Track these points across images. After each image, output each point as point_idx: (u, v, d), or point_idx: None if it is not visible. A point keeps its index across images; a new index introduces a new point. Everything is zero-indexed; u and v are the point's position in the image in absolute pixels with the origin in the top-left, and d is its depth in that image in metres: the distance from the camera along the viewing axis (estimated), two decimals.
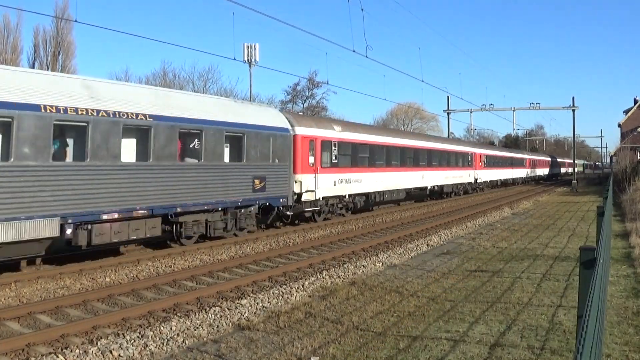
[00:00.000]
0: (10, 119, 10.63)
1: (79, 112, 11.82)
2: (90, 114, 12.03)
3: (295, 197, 19.59)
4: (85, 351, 7.11)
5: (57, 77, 12.58)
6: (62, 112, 11.47)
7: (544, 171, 77.85)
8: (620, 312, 8.95)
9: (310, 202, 20.57)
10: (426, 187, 32.86)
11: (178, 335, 7.89)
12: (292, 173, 19.13)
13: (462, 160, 40.18)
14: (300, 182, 19.75)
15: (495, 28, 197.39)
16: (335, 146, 22.26)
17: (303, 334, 8.00)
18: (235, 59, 28.13)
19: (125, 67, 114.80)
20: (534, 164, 70.47)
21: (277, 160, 18.00)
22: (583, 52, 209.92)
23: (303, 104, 52.53)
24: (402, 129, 78.33)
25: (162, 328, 8.12)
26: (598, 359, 3.78)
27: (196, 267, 13.06)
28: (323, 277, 11.75)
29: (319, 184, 20.81)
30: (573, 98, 55.04)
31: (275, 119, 18.88)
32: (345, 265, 13.10)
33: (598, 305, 4.10)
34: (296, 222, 21.46)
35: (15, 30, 41.05)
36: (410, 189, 30.33)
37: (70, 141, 13.16)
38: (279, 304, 9.68)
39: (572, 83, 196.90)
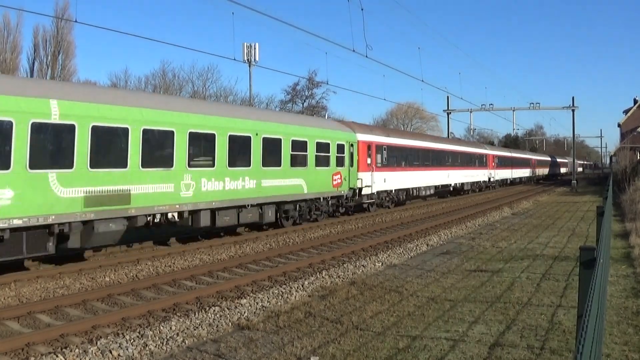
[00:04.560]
0: None
1: None
2: None
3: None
4: (84, 351, 7.10)
5: None
6: None
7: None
8: (620, 312, 8.95)
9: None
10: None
11: (178, 334, 7.88)
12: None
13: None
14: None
15: (495, 28, 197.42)
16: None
17: (303, 333, 8.00)
18: (235, 59, 28.10)
19: (124, 67, 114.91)
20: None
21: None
22: (583, 52, 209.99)
23: (302, 104, 52.53)
24: (402, 129, 78.19)
25: (161, 328, 8.12)
26: (598, 359, 3.78)
27: (196, 267, 13.05)
28: (323, 277, 11.75)
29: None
30: (573, 98, 55.13)
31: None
32: (345, 265, 13.10)
33: (598, 305, 4.09)
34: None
35: (15, 30, 41.14)
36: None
37: None
38: (279, 303, 9.67)
39: (572, 83, 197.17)
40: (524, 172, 64.28)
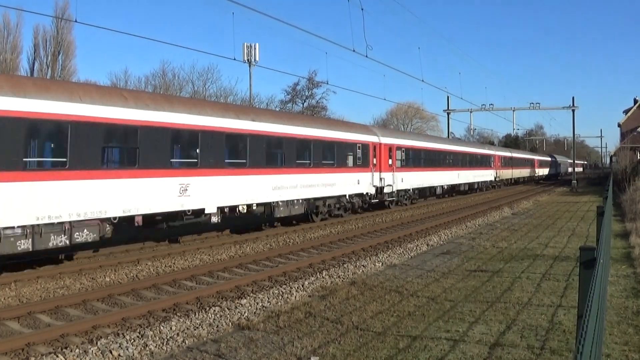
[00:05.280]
0: None
1: None
2: None
3: None
4: (85, 351, 7.11)
5: None
6: None
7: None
8: (620, 312, 8.95)
9: None
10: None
11: (178, 335, 7.89)
12: None
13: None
14: None
15: (495, 28, 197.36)
16: None
17: (303, 333, 8.00)
18: (235, 59, 27.97)
19: (124, 67, 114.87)
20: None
21: None
22: (583, 52, 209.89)
23: (303, 104, 52.55)
24: (402, 129, 77.96)
25: (162, 328, 8.12)
26: (598, 359, 3.78)
27: (196, 267, 13.05)
28: (323, 277, 11.75)
29: None
30: (573, 98, 55.10)
31: None
32: (345, 265, 13.10)
33: (598, 305, 4.10)
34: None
35: (15, 30, 41.12)
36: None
37: None
38: (279, 303, 9.68)
39: (572, 83, 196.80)
40: (481, 176, 44.70)
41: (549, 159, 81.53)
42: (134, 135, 13.26)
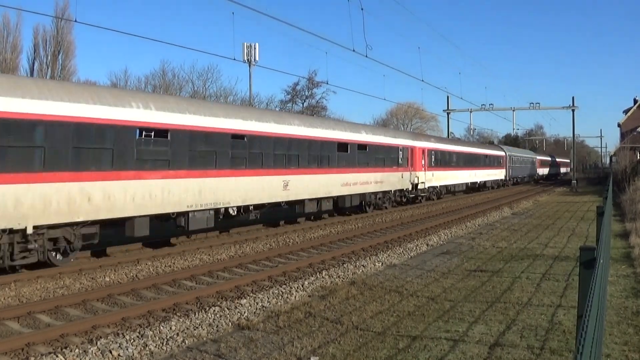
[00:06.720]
0: None
1: None
2: None
3: None
4: (84, 351, 7.10)
5: None
6: None
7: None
8: (620, 312, 8.95)
9: None
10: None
11: (178, 334, 7.88)
12: None
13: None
14: None
15: (496, 28, 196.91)
16: None
17: (303, 333, 8.00)
18: (235, 59, 27.95)
19: (124, 67, 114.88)
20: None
21: None
22: (583, 52, 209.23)
23: (303, 104, 52.55)
24: (402, 128, 77.87)
25: (161, 328, 8.12)
26: (598, 359, 3.78)
27: (196, 267, 13.05)
28: (323, 277, 11.75)
29: None
30: (573, 98, 55.04)
31: None
32: (345, 265, 13.10)
33: (598, 305, 4.09)
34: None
35: (15, 30, 41.08)
36: None
37: None
38: (279, 303, 9.68)
39: (572, 83, 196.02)
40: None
41: (496, 152, 49.89)
42: None
